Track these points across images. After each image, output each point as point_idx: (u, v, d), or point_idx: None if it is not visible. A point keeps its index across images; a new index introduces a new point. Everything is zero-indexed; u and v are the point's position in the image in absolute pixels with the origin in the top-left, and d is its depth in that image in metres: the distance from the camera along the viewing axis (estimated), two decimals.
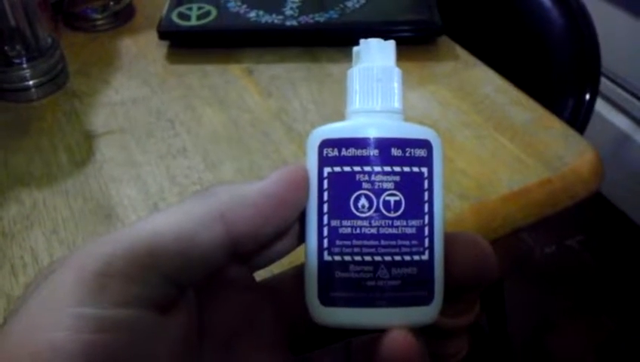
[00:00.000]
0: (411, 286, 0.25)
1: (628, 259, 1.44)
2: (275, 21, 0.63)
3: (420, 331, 0.26)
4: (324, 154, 0.26)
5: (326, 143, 0.26)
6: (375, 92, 0.27)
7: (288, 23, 0.63)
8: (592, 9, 0.72)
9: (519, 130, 0.52)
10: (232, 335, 0.27)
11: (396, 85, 0.27)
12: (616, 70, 1.42)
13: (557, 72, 0.73)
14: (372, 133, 0.26)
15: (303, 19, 0.63)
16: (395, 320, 0.25)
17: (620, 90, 1.44)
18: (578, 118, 0.70)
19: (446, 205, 0.45)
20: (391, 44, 0.28)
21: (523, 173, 0.48)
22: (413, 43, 0.62)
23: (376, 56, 0.28)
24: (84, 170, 0.51)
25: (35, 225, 0.46)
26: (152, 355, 0.22)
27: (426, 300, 0.25)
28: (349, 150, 0.25)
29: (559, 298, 1.37)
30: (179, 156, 0.51)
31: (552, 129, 0.52)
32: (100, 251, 0.22)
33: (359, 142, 0.25)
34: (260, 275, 0.29)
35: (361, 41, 0.28)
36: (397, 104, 0.27)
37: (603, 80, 1.39)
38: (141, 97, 0.59)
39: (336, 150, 0.26)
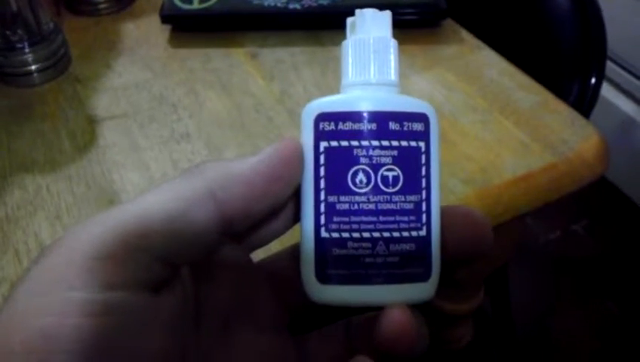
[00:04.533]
0: (409, 263, 0.25)
1: (633, 244, 1.44)
2: (279, 4, 0.63)
3: (420, 310, 0.25)
4: (321, 128, 0.25)
5: (322, 117, 0.25)
6: (371, 64, 0.26)
7: (291, 6, 0.62)
8: None
9: (524, 114, 0.52)
10: (229, 316, 0.27)
11: (392, 57, 0.27)
12: (622, 54, 1.40)
13: (562, 55, 0.72)
14: (369, 106, 0.25)
15: (307, 2, 0.62)
16: (393, 297, 0.25)
17: (626, 74, 1.43)
18: (584, 103, 0.70)
19: (450, 190, 0.45)
20: (387, 14, 0.28)
21: (528, 157, 0.48)
22: (418, 26, 0.62)
23: (371, 27, 0.27)
24: (87, 155, 0.50)
25: (39, 211, 0.46)
26: (145, 336, 0.22)
27: (423, 277, 0.25)
28: (346, 124, 0.25)
29: (563, 283, 1.37)
30: (182, 141, 0.51)
31: (557, 113, 0.52)
32: (89, 234, 0.22)
33: (357, 116, 0.25)
34: (258, 256, 0.29)
35: (357, 11, 0.28)
36: (393, 76, 0.27)
37: (609, 64, 1.39)
38: (144, 82, 0.58)
39: (332, 124, 0.25)
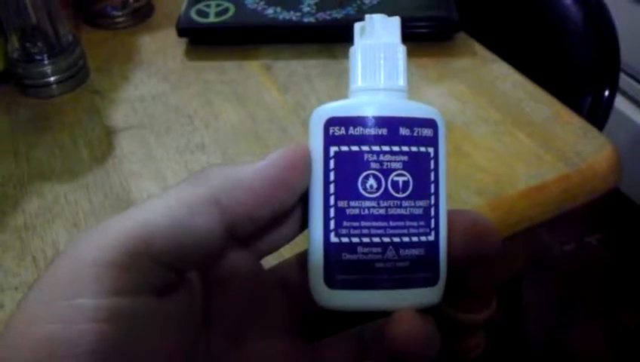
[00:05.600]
0: (418, 268, 0.25)
1: None
2: (293, 18, 0.63)
3: (429, 316, 0.25)
4: (331, 133, 0.25)
5: (332, 121, 0.25)
6: (380, 69, 0.26)
7: (306, 20, 0.63)
8: (612, 4, 0.72)
9: (537, 125, 0.52)
10: (240, 322, 0.27)
11: (401, 62, 0.27)
12: (636, 66, 1.40)
13: (576, 68, 0.72)
14: (380, 111, 0.25)
15: (321, 15, 0.63)
16: (402, 302, 0.25)
17: (639, 86, 1.42)
18: (597, 115, 0.70)
19: (463, 201, 0.45)
20: (396, 20, 0.28)
21: (541, 168, 0.48)
22: (431, 39, 0.62)
23: (380, 32, 0.27)
24: (105, 165, 0.51)
25: (57, 219, 0.46)
26: (151, 341, 0.22)
27: (431, 281, 0.25)
28: (357, 129, 0.25)
29: (578, 296, 1.36)
30: (197, 151, 0.52)
31: (570, 125, 0.52)
32: (94, 241, 0.22)
33: (367, 121, 0.25)
34: (270, 263, 0.29)
35: (366, 16, 0.28)
36: (402, 82, 0.27)
37: (622, 76, 1.39)
38: (160, 93, 0.59)
39: (343, 129, 0.25)
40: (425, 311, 0.25)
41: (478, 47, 0.63)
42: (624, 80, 1.42)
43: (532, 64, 0.63)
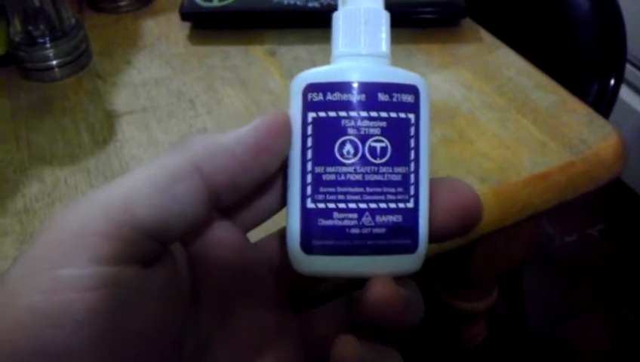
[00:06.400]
0: (396, 234, 0.25)
1: None
2: (298, 2, 0.63)
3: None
4: (309, 99, 0.25)
5: (311, 87, 0.25)
6: (361, 35, 0.26)
7: (310, 4, 0.62)
8: None
9: (542, 113, 0.52)
10: (228, 295, 0.27)
11: (383, 28, 0.26)
12: None
13: (581, 56, 0.72)
14: (358, 77, 0.25)
15: (325, 0, 0.63)
16: (379, 269, 0.25)
17: None
18: (602, 104, 0.69)
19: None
20: None
21: (545, 156, 0.47)
22: (437, 25, 0.62)
23: None
24: (106, 149, 0.51)
25: (57, 203, 0.46)
26: (135, 310, 0.22)
27: (410, 248, 0.25)
28: (335, 94, 0.24)
29: (579, 287, 1.36)
30: None
31: (575, 112, 0.52)
32: (76, 212, 0.22)
33: (345, 87, 0.24)
34: (260, 235, 0.29)
35: None
36: (384, 48, 0.26)
37: (629, 67, 1.38)
38: (163, 78, 0.59)
39: (321, 94, 0.25)
40: (413, 278, 0.25)
41: (484, 34, 0.62)
42: (629, 70, 1.42)
43: (538, 51, 0.63)
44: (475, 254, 0.56)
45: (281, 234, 0.28)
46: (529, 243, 0.62)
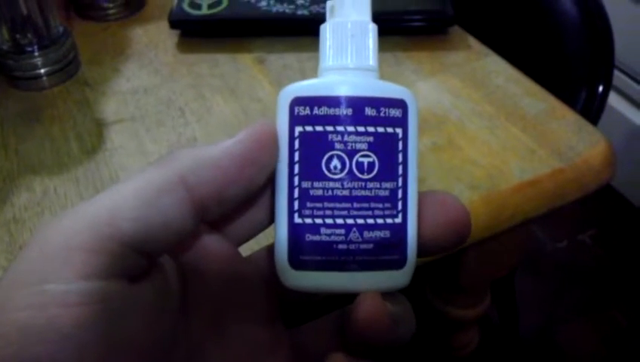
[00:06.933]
0: (384, 250, 0.24)
1: (639, 254, 1.43)
2: (287, 10, 0.63)
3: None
4: (296, 113, 0.25)
5: (297, 101, 0.25)
6: (348, 48, 0.26)
7: (299, 12, 0.63)
8: (607, 1, 0.72)
9: (531, 120, 0.52)
10: (219, 309, 0.26)
11: (371, 41, 0.26)
12: (630, 64, 1.40)
13: (570, 63, 0.72)
14: (346, 91, 0.24)
15: (314, 8, 0.63)
16: (367, 285, 0.24)
17: (634, 84, 1.43)
18: (591, 111, 0.70)
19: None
20: None
21: (534, 163, 0.48)
22: (425, 33, 0.62)
23: (350, 10, 0.26)
24: (95, 158, 0.51)
25: (46, 212, 0.46)
26: (123, 325, 0.22)
27: (398, 264, 0.25)
28: (322, 109, 0.24)
29: (570, 292, 1.36)
30: (189, 145, 0.51)
31: (564, 119, 0.52)
32: (62, 226, 0.21)
33: (332, 101, 0.24)
34: (253, 249, 0.29)
35: None
36: (372, 61, 0.26)
37: (617, 73, 1.39)
38: (152, 86, 0.59)
39: (307, 108, 0.24)
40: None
41: (473, 41, 0.62)
42: (617, 77, 1.42)
43: (526, 58, 0.63)
44: (466, 261, 0.56)
45: (272, 248, 0.28)
46: (520, 249, 0.62)
